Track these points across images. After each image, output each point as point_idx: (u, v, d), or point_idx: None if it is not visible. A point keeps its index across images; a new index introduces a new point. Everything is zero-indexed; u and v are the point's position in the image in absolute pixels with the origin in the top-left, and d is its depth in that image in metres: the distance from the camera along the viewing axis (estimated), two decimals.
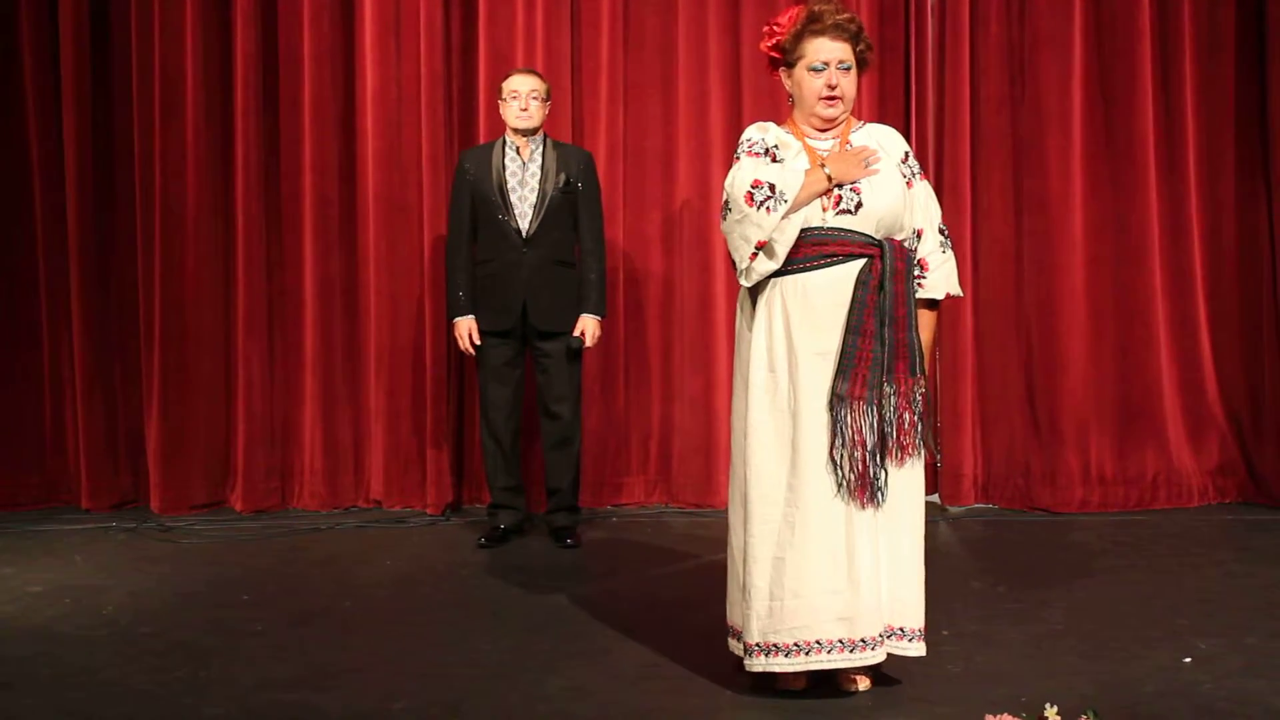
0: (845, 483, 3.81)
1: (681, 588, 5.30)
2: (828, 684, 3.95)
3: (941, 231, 4.05)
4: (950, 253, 4.06)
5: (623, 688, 4.07)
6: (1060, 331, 6.72)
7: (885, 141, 4.02)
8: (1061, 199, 6.70)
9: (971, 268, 6.67)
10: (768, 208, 3.80)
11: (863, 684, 3.96)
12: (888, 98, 6.76)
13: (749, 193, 3.83)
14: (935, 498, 6.69)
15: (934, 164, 6.66)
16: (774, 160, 3.92)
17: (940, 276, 4.02)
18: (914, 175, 4.01)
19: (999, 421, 6.76)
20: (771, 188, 3.81)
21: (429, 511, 6.72)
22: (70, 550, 6.04)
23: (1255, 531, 6.15)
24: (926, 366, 3.95)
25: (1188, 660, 4.20)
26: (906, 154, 4.03)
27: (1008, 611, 4.82)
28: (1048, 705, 3.63)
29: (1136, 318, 6.72)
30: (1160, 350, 6.72)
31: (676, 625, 4.68)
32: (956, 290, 4.08)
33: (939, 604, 4.71)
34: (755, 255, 3.84)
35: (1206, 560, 5.58)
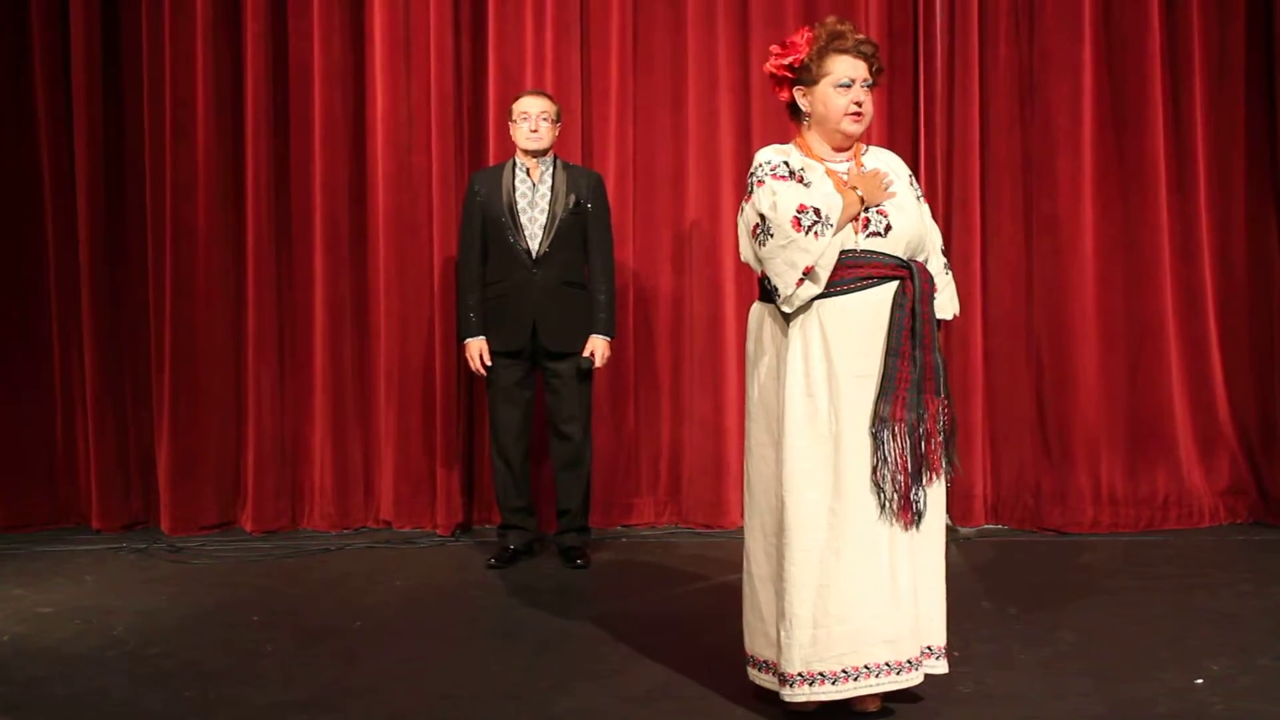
0: (888, 504, 3.81)
1: (692, 608, 5.29)
2: (838, 705, 3.94)
3: (944, 252, 4.11)
4: (950, 273, 4.12)
5: (633, 709, 4.07)
6: (1070, 351, 6.70)
7: (893, 164, 4.04)
8: (1071, 219, 6.69)
9: (981, 288, 6.67)
10: (815, 232, 3.76)
11: (874, 705, 3.95)
12: (897, 119, 6.76)
13: (795, 218, 3.77)
14: (946, 518, 6.68)
15: (944, 184, 6.66)
16: (801, 182, 3.88)
17: (947, 298, 4.07)
18: (919, 197, 4.04)
19: (1009, 441, 6.74)
20: (817, 212, 3.77)
21: (439, 532, 6.72)
22: (81, 571, 6.05)
23: (1266, 552, 6.13)
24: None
25: (1199, 681, 4.19)
26: (911, 177, 4.07)
27: (1018, 632, 4.81)
28: None
29: (1147, 338, 6.71)
30: (1171, 370, 6.70)
31: (687, 646, 4.67)
32: (958, 310, 4.15)
33: (949, 625, 4.70)
34: (801, 281, 3.80)
35: (1218, 581, 5.56)
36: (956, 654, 4.42)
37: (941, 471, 3.91)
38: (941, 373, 3.90)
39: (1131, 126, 6.71)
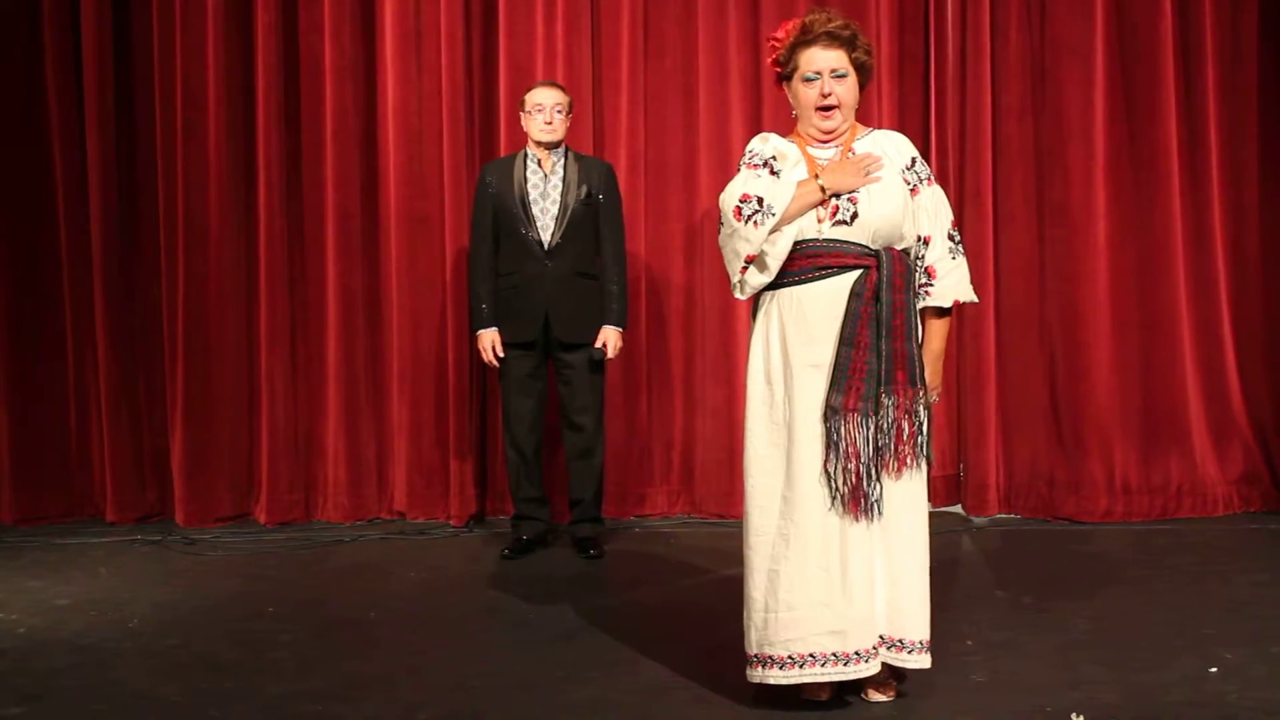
0: (839, 495, 3.79)
1: (704, 600, 5.29)
2: (853, 693, 3.94)
3: (951, 238, 3.98)
4: (961, 259, 3.99)
5: (646, 700, 4.07)
6: (1083, 340, 6.68)
7: (890, 148, 3.97)
8: (1084, 207, 6.67)
9: (993, 277, 6.65)
10: (755, 222, 3.80)
11: (887, 694, 3.94)
12: (908, 107, 6.75)
13: (737, 207, 3.83)
14: (959, 508, 6.68)
15: (955, 173, 6.65)
16: (772, 171, 3.90)
17: (949, 284, 3.96)
18: (920, 181, 3.95)
19: (1022, 431, 6.73)
20: (760, 201, 3.81)
21: (452, 523, 6.73)
22: (96, 563, 6.07)
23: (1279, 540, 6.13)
24: (932, 376, 3.93)
25: (1213, 670, 4.18)
26: (914, 160, 3.98)
27: (1032, 621, 4.80)
28: (1073, 715, 3.62)
29: (1160, 326, 6.69)
30: (1184, 359, 6.68)
31: (700, 637, 4.68)
32: (969, 296, 4.02)
33: (963, 614, 4.72)
34: (746, 269, 3.85)
35: (1231, 569, 5.54)
36: (970, 642, 4.43)
37: (913, 463, 3.85)
38: (916, 362, 3.85)
39: (1143, 114, 6.68)
